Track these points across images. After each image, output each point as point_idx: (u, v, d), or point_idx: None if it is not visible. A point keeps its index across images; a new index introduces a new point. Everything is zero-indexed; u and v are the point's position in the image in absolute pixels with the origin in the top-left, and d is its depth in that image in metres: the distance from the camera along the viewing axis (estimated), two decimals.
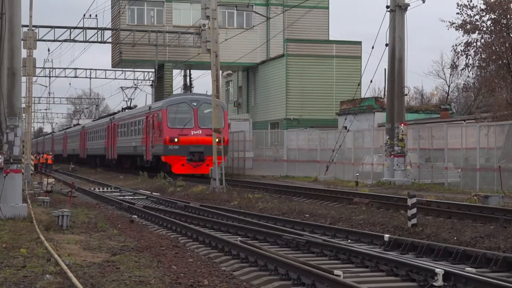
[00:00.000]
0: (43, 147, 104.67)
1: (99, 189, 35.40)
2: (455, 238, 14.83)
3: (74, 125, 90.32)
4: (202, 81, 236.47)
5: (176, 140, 39.15)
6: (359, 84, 40.11)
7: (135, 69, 65.77)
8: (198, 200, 26.76)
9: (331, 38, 59.83)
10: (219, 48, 32.20)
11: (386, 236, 14.40)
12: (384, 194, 25.01)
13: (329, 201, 24.51)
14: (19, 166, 18.93)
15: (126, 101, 58.73)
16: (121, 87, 62.08)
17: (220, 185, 29.98)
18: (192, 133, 39.18)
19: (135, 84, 65.34)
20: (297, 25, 57.65)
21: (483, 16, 34.38)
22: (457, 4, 34.62)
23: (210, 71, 31.56)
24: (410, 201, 16.60)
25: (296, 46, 55.98)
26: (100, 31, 52.84)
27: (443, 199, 23.37)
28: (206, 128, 37.96)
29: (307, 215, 20.37)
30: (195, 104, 40.28)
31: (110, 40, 56.93)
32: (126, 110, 55.57)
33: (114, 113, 59.41)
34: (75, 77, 69.12)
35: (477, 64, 35.18)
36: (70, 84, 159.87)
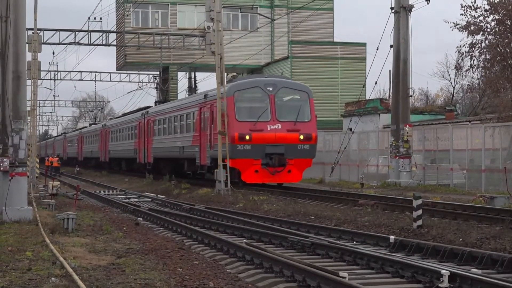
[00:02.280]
0: (54, 149, 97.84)
1: (104, 191, 35.43)
2: (460, 239, 14.80)
3: (90, 125, 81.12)
4: (207, 83, 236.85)
5: (247, 137, 29.84)
6: (364, 86, 40.05)
7: (140, 72, 65.88)
8: (203, 203, 26.73)
9: (335, 40, 59.89)
10: (224, 50, 32.20)
11: (392, 237, 14.38)
12: (389, 196, 24.97)
13: (334, 203, 24.46)
14: (24, 169, 18.96)
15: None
16: (154, 76, 61.34)
17: (225, 187, 29.88)
18: (268, 128, 30.08)
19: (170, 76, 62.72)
20: (302, 27, 57.63)
21: (487, 17, 34.38)
22: (461, 5, 34.64)
23: (215, 73, 31.45)
24: (415, 203, 16.57)
25: (300, 48, 56.00)
26: (104, 34, 52.93)
27: (449, 200, 23.33)
28: (287, 122, 30.12)
29: (312, 217, 20.35)
30: (271, 89, 30.71)
31: (114, 43, 57.05)
32: (162, 104, 47.82)
33: (147, 107, 49.92)
34: (80, 80, 69.04)
35: (482, 65, 35.16)
36: (75, 87, 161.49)
